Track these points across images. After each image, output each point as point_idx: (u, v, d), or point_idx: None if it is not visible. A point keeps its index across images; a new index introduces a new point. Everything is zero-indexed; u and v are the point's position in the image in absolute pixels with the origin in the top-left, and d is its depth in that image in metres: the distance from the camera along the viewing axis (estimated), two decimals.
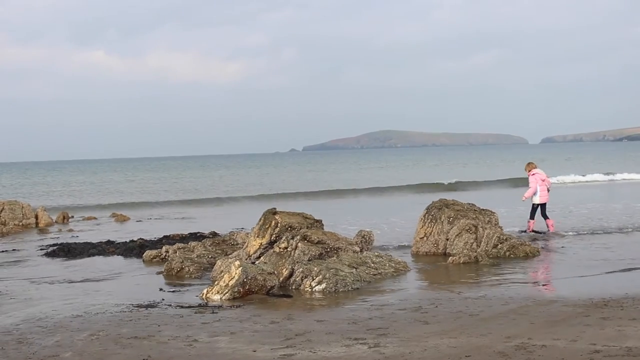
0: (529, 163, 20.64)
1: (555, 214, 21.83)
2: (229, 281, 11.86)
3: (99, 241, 19.97)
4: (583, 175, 46.16)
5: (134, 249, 18.30)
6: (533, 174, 19.92)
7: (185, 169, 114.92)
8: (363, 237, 15.77)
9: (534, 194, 19.73)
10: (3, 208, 25.54)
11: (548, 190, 19.90)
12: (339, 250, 14.04)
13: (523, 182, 28.22)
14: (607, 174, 47.15)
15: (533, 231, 19.18)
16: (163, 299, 11.91)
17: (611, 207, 26.55)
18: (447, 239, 16.36)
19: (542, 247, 16.50)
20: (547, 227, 19.38)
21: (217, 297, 11.74)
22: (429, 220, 16.92)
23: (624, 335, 8.59)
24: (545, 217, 19.63)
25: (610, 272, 13.42)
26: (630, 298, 10.74)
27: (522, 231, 19.26)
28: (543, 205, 19.74)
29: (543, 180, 19.84)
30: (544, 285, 12.74)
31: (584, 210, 25.66)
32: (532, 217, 19.61)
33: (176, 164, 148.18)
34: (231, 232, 18.30)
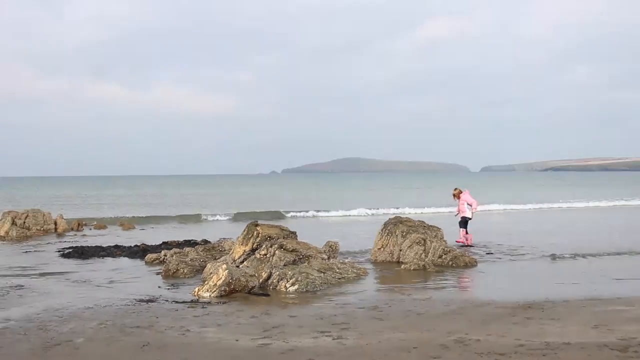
0: (455, 188, 21.07)
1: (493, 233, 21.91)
2: (217, 281, 11.85)
3: (108, 245, 19.86)
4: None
5: (137, 253, 18.23)
6: (462, 196, 20.39)
7: (181, 186, 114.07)
8: (330, 246, 15.79)
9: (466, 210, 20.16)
10: (27, 215, 25.33)
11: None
12: (310, 257, 14.08)
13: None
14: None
15: (469, 245, 19.37)
16: (161, 295, 11.88)
17: (541, 230, 26.82)
18: (400, 250, 16.44)
19: (479, 259, 16.59)
20: (466, 239, 19.72)
21: (206, 294, 11.72)
22: (385, 234, 17.01)
23: (544, 332, 8.72)
24: (463, 227, 20.01)
25: (534, 280, 13.57)
26: (550, 302, 10.88)
27: (462, 245, 19.37)
28: (468, 221, 20.10)
29: (469, 203, 20.29)
30: (479, 290, 12.82)
31: (519, 231, 25.88)
32: (463, 227, 19.91)
33: (172, 182, 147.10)
34: (220, 240, 18.27)
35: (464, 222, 20.07)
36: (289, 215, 35.65)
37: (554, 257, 16.84)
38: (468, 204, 20.31)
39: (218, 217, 34.61)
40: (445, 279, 13.81)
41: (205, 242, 19.91)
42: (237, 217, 34.27)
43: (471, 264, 15.71)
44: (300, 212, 37.29)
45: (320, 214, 36.96)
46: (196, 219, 33.77)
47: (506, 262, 16.29)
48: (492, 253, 17.86)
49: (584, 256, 17.00)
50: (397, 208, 37.66)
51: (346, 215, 36.53)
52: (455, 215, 20.80)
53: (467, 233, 19.93)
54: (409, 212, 34.77)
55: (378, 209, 38.66)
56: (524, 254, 17.62)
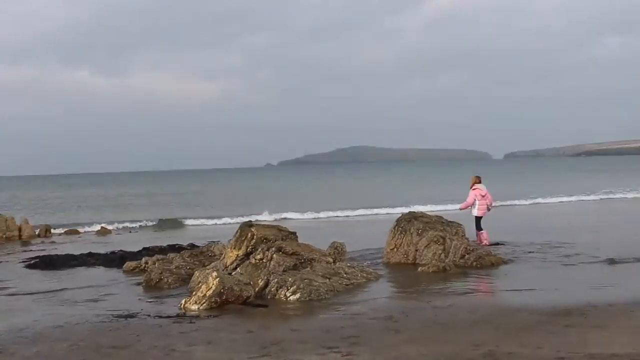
0: (475, 176, 20.44)
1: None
2: (206, 291, 11.71)
3: (80, 253, 19.69)
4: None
5: (114, 260, 18.10)
6: (474, 189, 19.83)
7: (165, 184, 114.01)
8: (336, 248, 15.66)
9: (472, 206, 19.67)
10: None
11: (489, 209, 19.71)
12: (313, 261, 13.94)
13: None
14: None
15: (497, 243, 19.01)
16: (142, 309, 11.75)
17: (578, 226, 26.68)
18: (417, 250, 16.32)
19: (507, 258, 16.39)
20: (477, 238, 19.09)
21: (195, 307, 11.58)
22: (398, 232, 16.88)
23: (587, 343, 8.59)
24: (479, 229, 19.44)
25: (572, 281, 13.41)
26: (592, 306, 10.74)
27: (493, 244, 18.96)
28: (479, 218, 19.59)
29: (483, 196, 19.69)
30: (509, 294, 12.61)
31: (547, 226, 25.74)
32: (478, 228, 19.41)
33: (155, 179, 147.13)
34: (209, 244, 18.14)
35: (478, 220, 19.60)
36: (284, 214, 35.32)
37: (611, 261, 15.62)
38: (479, 199, 19.66)
39: (201, 220, 34.29)
40: (469, 283, 13.68)
41: (192, 246, 19.76)
42: (222, 219, 33.91)
43: (498, 264, 15.57)
44: (298, 211, 36.87)
45: (321, 214, 36.46)
46: (174, 224, 33.27)
47: (539, 262, 16.07)
48: (532, 252, 17.48)
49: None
50: (410, 206, 36.91)
51: (353, 215, 36.17)
52: (461, 210, 20.30)
53: (481, 231, 19.50)
54: (425, 209, 33.90)
55: (387, 207, 38.03)
56: (564, 254, 17.15)
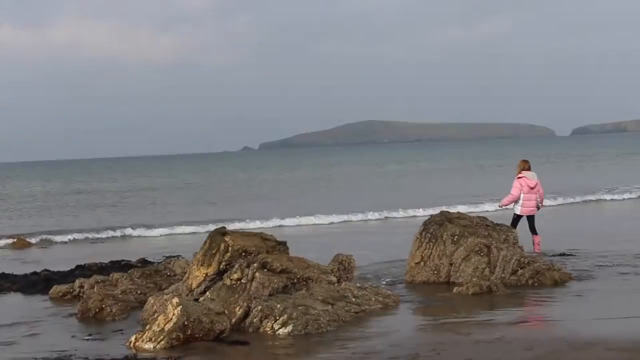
0: (523, 160, 20.53)
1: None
2: (164, 325, 11.78)
3: None
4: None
5: (37, 284, 18.14)
6: (519, 177, 19.85)
7: (106, 176, 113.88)
8: (341, 263, 15.71)
9: (515, 202, 19.91)
10: None
11: (538, 207, 20.04)
12: (310, 281, 13.99)
13: None
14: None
15: (562, 254, 19.08)
16: (77, 350, 11.77)
17: None
18: (452, 264, 16.37)
19: (577, 273, 16.37)
20: (533, 244, 19.52)
21: (149, 345, 11.63)
22: (426, 240, 16.91)
23: None
24: (533, 232, 19.79)
25: None
26: None
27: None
28: (530, 218, 19.90)
29: (532, 188, 19.71)
30: (579, 323, 12.67)
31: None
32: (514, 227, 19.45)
33: (92, 170, 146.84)
34: (166, 259, 18.20)
35: (517, 220, 19.72)
36: (270, 220, 35.10)
37: None
38: (525, 192, 19.75)
39: (156, 229, 34.04)
40: (524, 307, 13.76)
41: (144, 263, 19.81)
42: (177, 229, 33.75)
43: (563, 281, 15.62)
44: (287, 215, 36.68)
45: (319, 217, 36.22)
46: (119, 233, 32.98)
47: (622, 279, 16.04)
48: (612, 265, 17.53)
49: None
50: (442, 206, 36.10)
51: (361, 219, 35.92)
52: (501, 207, 20.56)
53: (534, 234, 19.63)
54: (463, 210, 32.69)
55: (409, 208, 37.68)
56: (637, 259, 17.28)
